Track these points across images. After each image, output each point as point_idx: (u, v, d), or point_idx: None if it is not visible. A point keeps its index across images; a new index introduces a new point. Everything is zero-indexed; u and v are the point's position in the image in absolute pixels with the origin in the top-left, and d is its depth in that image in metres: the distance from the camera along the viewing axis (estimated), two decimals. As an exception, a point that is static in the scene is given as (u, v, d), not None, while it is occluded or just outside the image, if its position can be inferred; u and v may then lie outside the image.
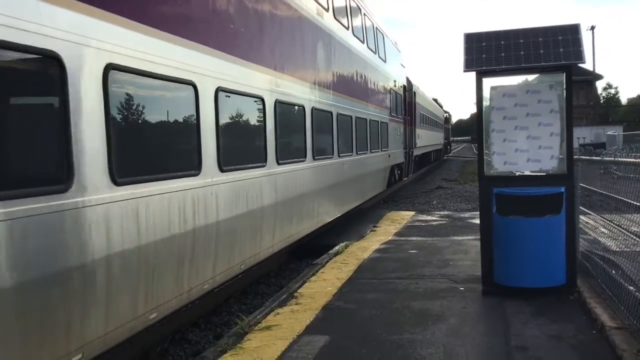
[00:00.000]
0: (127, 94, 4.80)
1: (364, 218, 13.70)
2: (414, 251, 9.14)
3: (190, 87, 5.75)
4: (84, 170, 4.14)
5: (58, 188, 3.91)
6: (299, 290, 6.88)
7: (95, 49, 4.29)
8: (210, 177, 6.06)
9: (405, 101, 21.99)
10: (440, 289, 6.77)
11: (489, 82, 6.48)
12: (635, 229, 5.30)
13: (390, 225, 12.10)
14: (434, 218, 13.24)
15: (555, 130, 6.22)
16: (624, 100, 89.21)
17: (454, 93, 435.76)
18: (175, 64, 5.42)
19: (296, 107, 9.16)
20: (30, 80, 4.01)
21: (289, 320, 5.75)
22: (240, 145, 7.25)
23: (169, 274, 5.37)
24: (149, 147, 5.25)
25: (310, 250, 10.09)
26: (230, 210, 6.57)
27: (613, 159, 5.83)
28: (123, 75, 4.69)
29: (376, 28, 16.24)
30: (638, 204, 4.95)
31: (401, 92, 20.71)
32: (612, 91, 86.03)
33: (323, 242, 10.40)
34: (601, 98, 74.64)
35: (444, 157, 52.08)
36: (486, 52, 6.37)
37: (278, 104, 8.11)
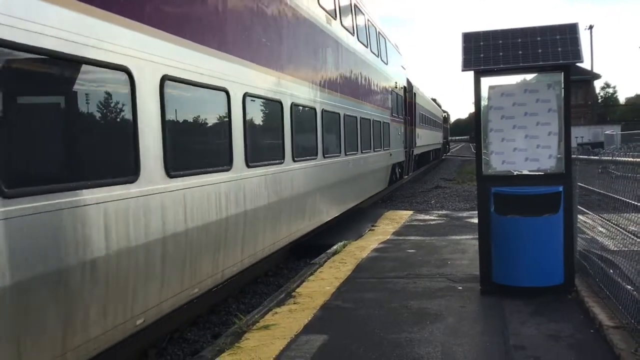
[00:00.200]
0: (177, 101, 5.56)
1: (362, 217, 13.71)
2: (412, 250, 9.15)
3: (223, 93, 6.49)
4: (147, 164, 4.95)
5: (130, 179, 4.74)
6: (297, 290, 6.88)
7: (154, 63, 5.08)
8: (239, 172, 6.81)
9: (406, 102, 22.70)
10: (438, 288, 6.78)
11: (487, 82, 6.47)
12: (633, 228, 5.31)
13: (389, 225, 12.10)
14: (432, 217, 13.25)
15: (554, 129, 6.22)
16: (622, 99, 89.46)
17: (453, 92, 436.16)
18: (213, 73, 6.20)
19: (309, 110, 9.86)
20: (111, 92, 4.68)
21: (287, 319, 5.75)
22: (263, 144, 7.95)
23: (208, 255, 6.15)
24: (193, 145, 6.05)
25: (308, 250, 10.09)
26: (256, 201, 7.32)
27: (611, 158, 5.84)
28: (174, 85, 5.45)
29: (379, 32, 16.86)
30: (636, 203, 4.96)
31: (402, 93, 21.42)
32: (610, 90, 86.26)
33: (321, 241, 10.40)
34: (599, 97, 74.76)
35: (443, 157, 52.20)
36: (484, 52, 6.37)
37: (294, 106, 8.81)
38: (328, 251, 9.25)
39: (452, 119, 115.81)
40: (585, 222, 7.09)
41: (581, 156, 6.92)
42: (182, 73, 5.52)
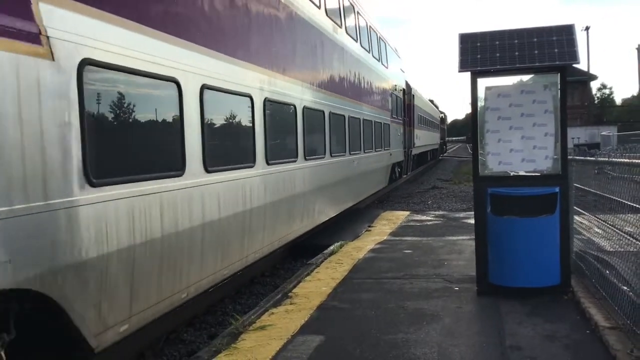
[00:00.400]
0: (212, 106, 6.21)
1: (359, 218, 13.71)
2: (408, 251, 9.15)
3: (248, 98, 7.23)
4: (191, 161, 5.69)
5: (179, 173, 5.49)
6: (293, 290, 6.88)
7: (195, 74, 5.82)
8: (261, 169, 7.57)
9: (405, 104, 23.38)
10: (434, 288, 6.78)
11: (483, 83, 6.49)
12: (629, 229, 5.32)
13: (385, 225, 12.11)
14: (429, 218, 13.26)
15: (550, 130, 6.23)
16: (618, 100, 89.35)
17: (450, 93, 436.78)
18: (240, 81, 6.96)
19: (318, 112, 10.52)
20: (167, 100, 5.48)
21: (284, 320, 5.74)
22: (279, 144, 8.58)
23: (236, 241, 6.93)
24: (224, 145, 6.75)
25: (305, 250, 10.09)
26: (274, 195, 8.05)
27: (607, 159, 5.85)
28: (210, 92, 6.15)
29: (379, 37, 17.53)
30: (632, 204, 4.97)
31: (401, 95, 22.08)
32: (607, 91, 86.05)
33: (318, 241, 10.40)
34: (595, 98, 74.76)
35: (440, 157, 52.34)
36: (481, 53, 6.37)
37: (305, 110, 9.55)
38: (325, 251, 9.24)
39: (449, 120, 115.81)
40: (581, 222, 7.10)
41: (577, 157, 6.93)
42: (217, 82, 6.33)
